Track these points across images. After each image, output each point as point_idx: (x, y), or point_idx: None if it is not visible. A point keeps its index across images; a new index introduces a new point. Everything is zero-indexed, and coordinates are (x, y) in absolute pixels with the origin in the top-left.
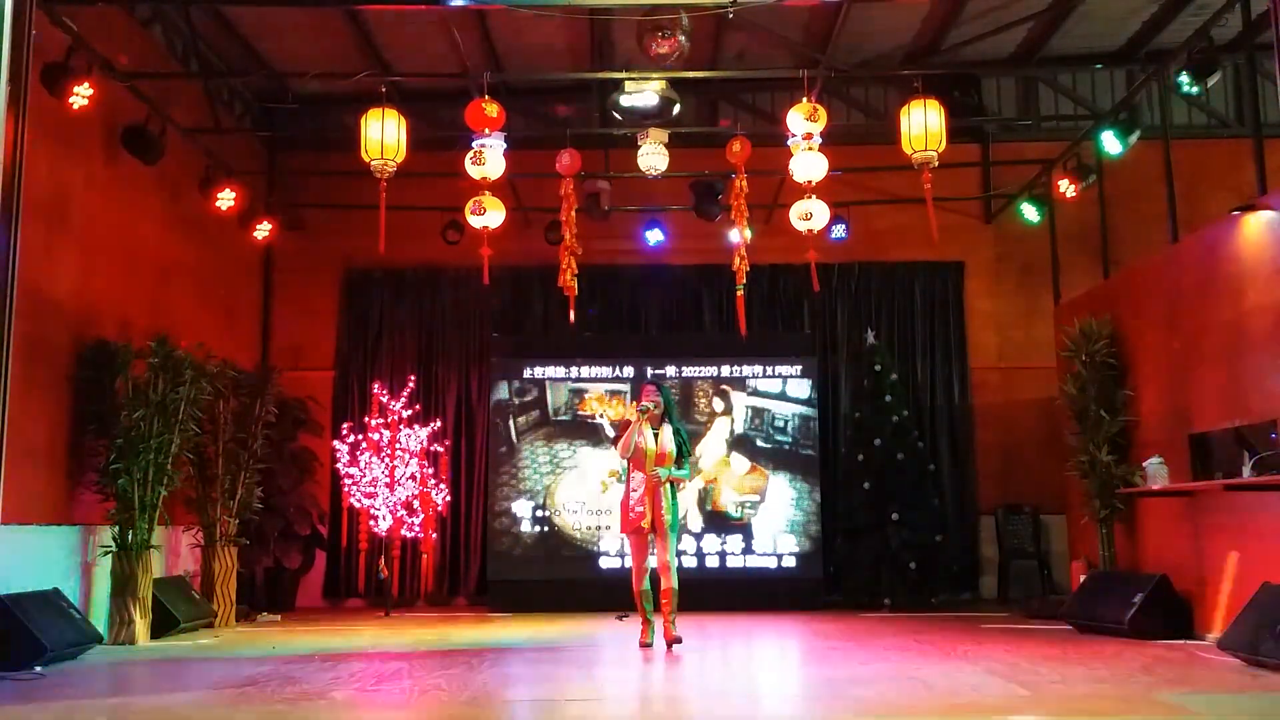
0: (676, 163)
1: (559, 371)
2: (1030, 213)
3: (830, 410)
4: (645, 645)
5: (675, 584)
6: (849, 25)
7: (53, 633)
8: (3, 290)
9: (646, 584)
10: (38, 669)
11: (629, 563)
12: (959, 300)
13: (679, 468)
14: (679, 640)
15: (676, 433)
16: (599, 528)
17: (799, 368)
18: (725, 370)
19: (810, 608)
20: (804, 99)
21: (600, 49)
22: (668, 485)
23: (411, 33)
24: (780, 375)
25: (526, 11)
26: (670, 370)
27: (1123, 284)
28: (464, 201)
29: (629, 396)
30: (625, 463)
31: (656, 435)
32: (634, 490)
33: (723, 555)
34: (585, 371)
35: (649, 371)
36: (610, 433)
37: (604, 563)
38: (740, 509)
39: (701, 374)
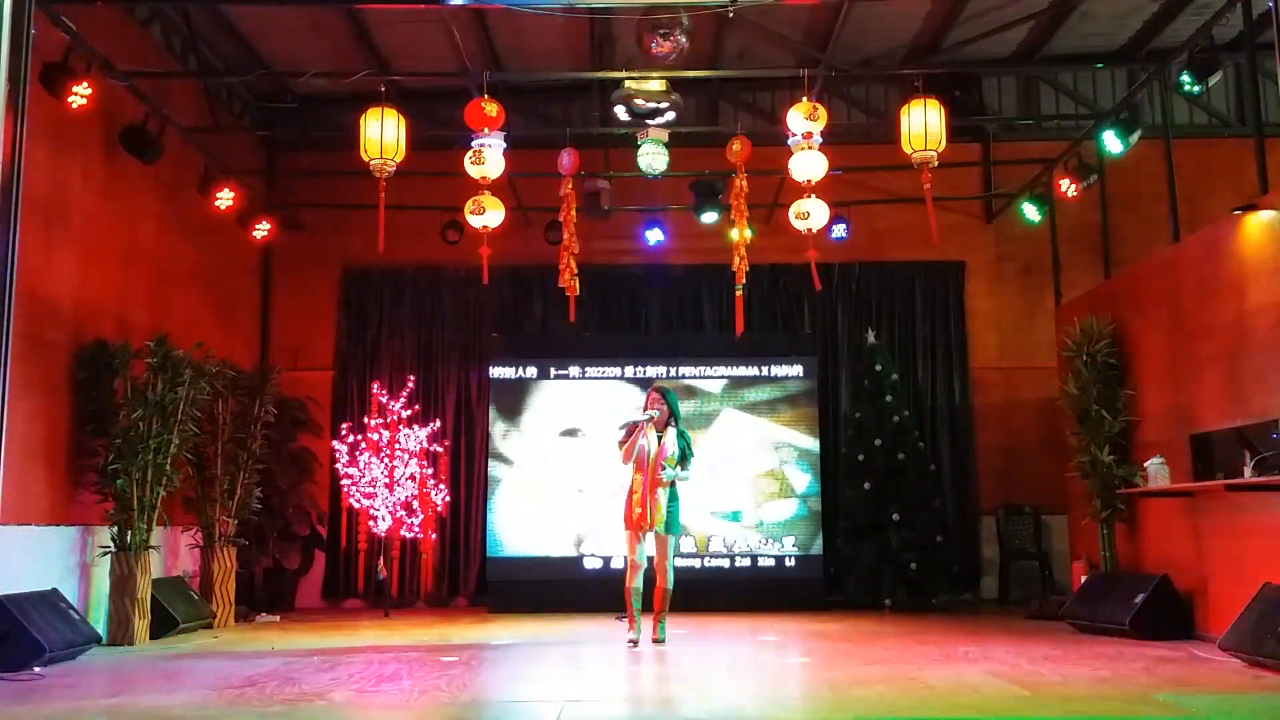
0: (676, 163)
1: (559, 371)
2: (1031, 212)
3: (830, 410)
4: (632, 642)
5: (670, 585)
6: (849, 24)
7: (51, 633)
8: (2, 290)
9: (639, 582)
10: (36, 669)
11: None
12: (960, 300)
13: (682, 469)
14: (660, 642)
15: (680, 435)
16: (598, 528)
17: (799, 368)
18: (725, 370)
19: (811, 608)
20: (804, 98)
21: (600, 49)
22: (668, 487)
23: (411, 32)
24: (780, 375)
25: (526, 11)
26: (670, 370)
27: (1124, 284)
28: (464, 201)
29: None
30: (632, 464)
31: (660, 438)
32: (634, 492)
33: (724, 555)
34: (585, 371)
35: (652, 373)
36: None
37: (603, 564)
38: (739, 509)
39: (701, 374)
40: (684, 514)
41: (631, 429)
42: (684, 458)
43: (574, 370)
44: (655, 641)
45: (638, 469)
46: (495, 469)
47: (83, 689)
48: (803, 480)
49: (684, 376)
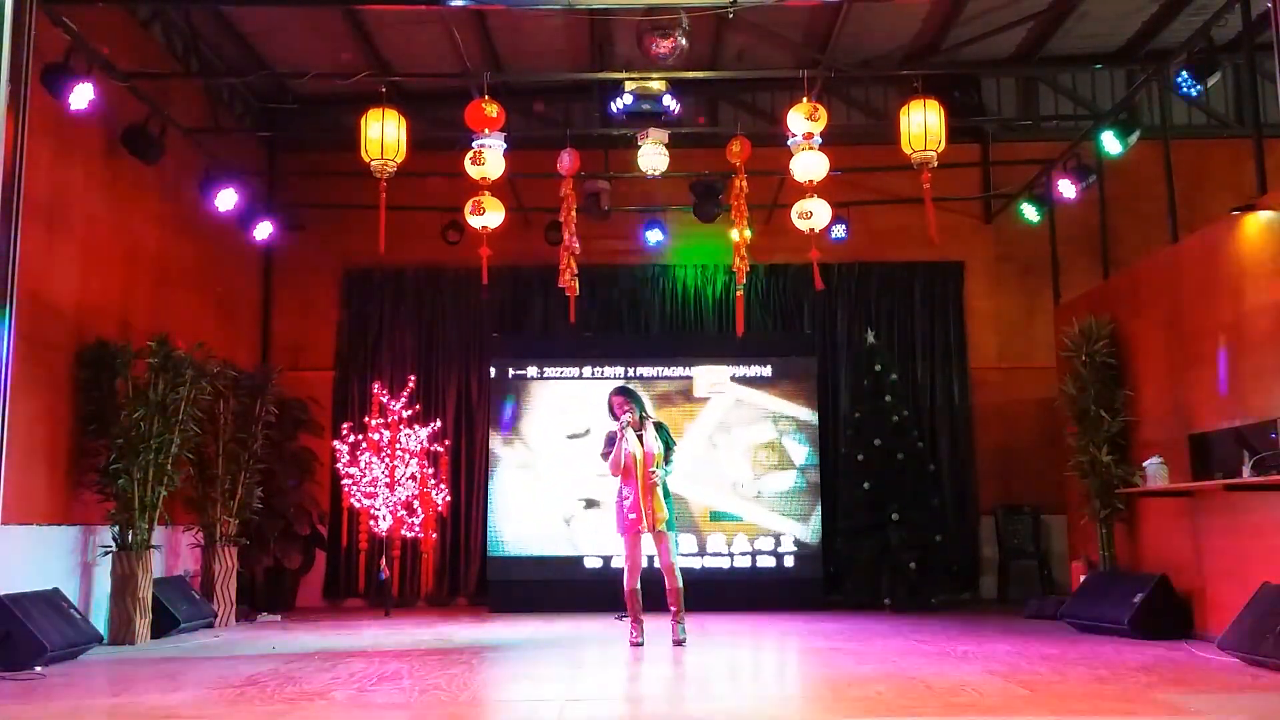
0: (676, 163)
1: (559, 371)
2: (1030, 213)
3: (830, 410)
4: (636, 645)
5: (680, 583)
6: (849, 25)
7: (53, 632)
8: (3, 290)
9: (638, 583)
10: (38, 669)
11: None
12: (959, 300)
13: (665, 464)
14: (682, 643)
15: (659, 428)
16: (598, 528)
17: (798, 368)
18: (725, 370)
19: (810, 608)
20: (804, 99)
21: (600, 49)
22: (661, 485)
23: (412, 33)
24: (780, 375)
25: (526, 11)
26: (669, 370)
27: (1123, 284)
28: (464, 201)
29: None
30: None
31: (640, 438)
32: (626, 498)
33: (723, 555)
34: (585, 371)
35: (653, 373)
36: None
37: (603, 563)
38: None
39: (701, 374)
40: (697, 496)
41: (612, 438)
42: (668, 449)
43: (574, 370)
44: (677, 643)
45: (626, 475)
46: (495, 468)
47: (84, 688)
48: (801, 452)
49: (683, 376)
